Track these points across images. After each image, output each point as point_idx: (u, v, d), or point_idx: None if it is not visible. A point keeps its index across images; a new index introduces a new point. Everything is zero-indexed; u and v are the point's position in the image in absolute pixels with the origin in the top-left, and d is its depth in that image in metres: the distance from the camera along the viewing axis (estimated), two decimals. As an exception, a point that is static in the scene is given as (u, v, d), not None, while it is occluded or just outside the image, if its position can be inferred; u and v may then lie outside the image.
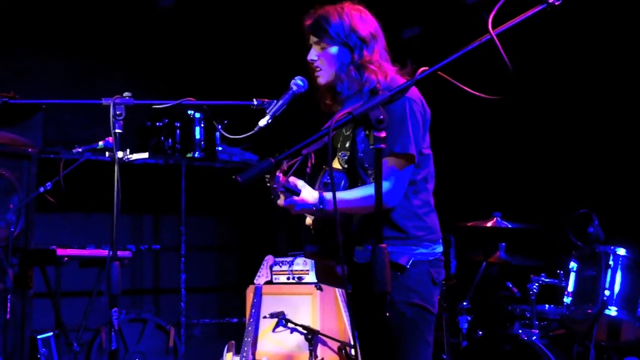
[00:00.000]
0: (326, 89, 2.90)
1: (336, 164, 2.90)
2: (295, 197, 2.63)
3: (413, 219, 2.79)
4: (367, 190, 2.71)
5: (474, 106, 3.75)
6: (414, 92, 2.78)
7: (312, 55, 2.89)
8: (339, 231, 2.07)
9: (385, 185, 2.64)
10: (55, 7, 6.11)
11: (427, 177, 2.86)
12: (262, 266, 5.32)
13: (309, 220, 2.96)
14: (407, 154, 2.70)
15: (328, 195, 2.67)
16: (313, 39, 2.89)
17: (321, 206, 2.65)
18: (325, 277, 3.07)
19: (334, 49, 2.84)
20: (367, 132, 2.70)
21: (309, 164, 2.86)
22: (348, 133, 2.89)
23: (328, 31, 2.82)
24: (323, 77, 2.88)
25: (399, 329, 2.72)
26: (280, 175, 2.54)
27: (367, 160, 2.79)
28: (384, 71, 2.83)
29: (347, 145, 2.87)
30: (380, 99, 2.01)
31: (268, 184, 2.54)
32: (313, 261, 3.13)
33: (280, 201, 2.66)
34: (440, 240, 2.87)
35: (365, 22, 2.85)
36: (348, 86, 2.83)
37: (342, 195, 2.71)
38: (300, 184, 2.66)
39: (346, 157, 2.87)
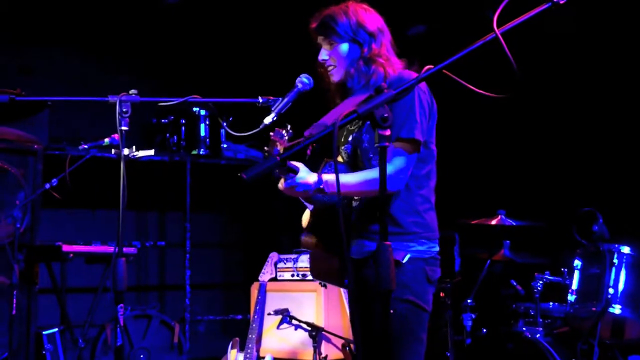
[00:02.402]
0: (337, 88, 2.92)
1: (338, 157, 2.91)
2: (295, 178, 2.61)
3: (412, 214, 2.78)
4: (369, 173, 2.71)
5: (479, 104, 3.76)
6: (422, 84, 2.79)
7: (323, 55, 2.91)
8: (342, 222, 2.07)
9: (389, 168, 2.63)
10: (62, 5, 6.12)
11: (430, 173, 2.86)
12: (266, 263, 5.33)
13: (306, 216, 2.97)
14: (413, 139, 2.70)
15: (327, 176, 2.66)
16: (322, 39, 2.91)
17: (321, 186, 2.64)
18: (319, 273, 3.08)
19: (344, 46, 2.86)
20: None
21: (309, 148, 2.86)
22: (353, 127, 2.90)
23: (336, 30, 2.85)
24: (336, 75, 2.90)
25: (390, 325, 2.71)
26: (279, 148, 2.56)
27: (371, 151, 2.79)
28: (392, 64, 2.85)
29: (350, 138, 2.89)
30: (385, 97, 2.01)
31: (266, 153, 2.55)
32: (307, 253, 3.15)
33: (281, 184, 2.67)
34: (437, 240, 2.86)
35: (371, 18, 2.90)
36: (358, 81, 2.85)
37: (343, 177, 2.69)
38: (300, 165, 2.65)
39: (349, 150, 2.88)
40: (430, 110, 2.81)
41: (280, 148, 2.62)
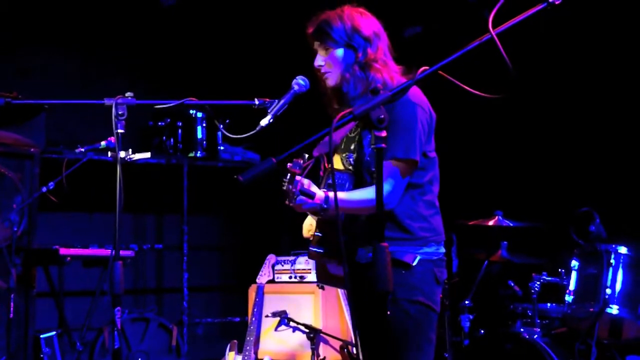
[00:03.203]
0: (333, 93, 2.91)
1: (339, 165, 2.92)
2: (305, 198, 2.62)
3: (419, 220, 2.81)
4: (368, 192, 2.73)
5: (476, 105, 3.76)
6: (420, 97, 2.80)
7: (319, 60, 2.90)
8: (341, 231, 2.07)
9: (385, 187, 2.65)
10: (59, 7, 6.11)
11: (432, 179, 2.88)
12: (264, 265, 5.32)
13: (307, 224, 2.96)
14: (409, 160, 2.73)
15: (332, 195, 2.67)
16: (317, 44, 2.91)
17: (326, 206, 2.65)
18: (326, 278, 3.08)
19: (339, 51, 2.86)
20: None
21: (322, 167, 2.87)
22: (353, 135, 2.90)
23: (331, 35, 2.84)
24: (331, 80, 2.89)
25: (402, 326, 2.74)
26: (300, 178, 2.55)
27: (373, 164, 2.79)
28: (389, 69, 2.85)
29: (352, 147, 2.89)
30: (380, 98, 2.02)
31: (284, 188, 2.54)
32: (314, 261, 3.14)
33: (289, 200, 2.67)
34: (443, 242, 2.90)
35: (367, 22, 2.89)
36: (354, 86, 2.84)
37: (343, 195, 2.72)
38: (308, 184, 2.66)
39: (352, 159, 2.88)
40: (430, 126, 2.83)
41: (299, 179, 2.59)
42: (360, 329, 2.85)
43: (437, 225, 2.88)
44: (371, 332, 2.69)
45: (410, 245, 2.78)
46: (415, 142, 2.72)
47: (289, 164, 2.62)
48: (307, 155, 2.68)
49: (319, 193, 2.66)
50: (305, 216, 3.02)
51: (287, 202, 2.65)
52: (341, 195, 2.71)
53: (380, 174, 2.01)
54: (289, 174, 2.52)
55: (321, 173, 2.86)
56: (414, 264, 2.76)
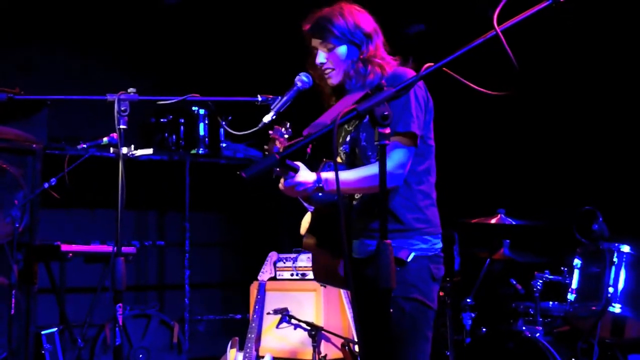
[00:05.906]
0: (335, 90, 2.90)
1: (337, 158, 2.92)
2: (295, 177, 2.62)
3: (413, 210, 2.78)
4: (369, 169, 2.70)
5: (479, 103, 3.76)
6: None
7: (321, 58, 2.88)
8: (343, 221, 2.06)
9: (388, 164, 2.63)
10: (61, 3, 6.10)
11: (429, 169, 2.85)
12: (266, 262, 5.32)
13: (305, 221, 2.96)
14: (409, 132, 2.69)
15: (326, 174, 2.66)
16: (317, 41, 2.89)
17: (320, 184, 2.64)
18: (323, 275, 3.06)
19: (342, 48, 2.84)
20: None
21: (310, 147, 2.86)
22: (350, 128, 2.89)
23: (333, 32, 2.83)
24: (335, 78, 2.87)
25: (398, 324, 2.72)
26: (278, 146, 2.56)
27: (370, 149, 2.78)
28: (388, 63, 2.85)
29: (348, 138, 2.88)
30: (385, 95, 2.01)
31: (266, 151, 2.56)
32: (310, 255, 3.15)
33: (281, 184, 2.67)
34: (440, 236, 2.86)
35: (366, 18, 2.88)
36: (356, 82, 2.83)
37: (342, 175, 2.69)
38: (299, 164, 2.66)
39: (347, 150, 2.87)
40: (427, 106, 2.81)
41: (279, 146, 2.62)
42: (360, 325, 2.84)
43: (433, 217, 2.84)
44: (371, 328, 2.69)
45: (403, 237, 2.74)
46: (412, 116, 2.69)
47: (270, 131, 2.64)
48: (288, 124, 2.69)
49: (312, 175, 2.65)
50: (306, 212, 3.01)
51: (279, 187, 2.66)
52: (341, 174, 2.68)
53: (384, 169, 2.00)
54: (269, 142, 2.54)
55: (308, 151, 2.84)
56: (409, 260, 2.73)
